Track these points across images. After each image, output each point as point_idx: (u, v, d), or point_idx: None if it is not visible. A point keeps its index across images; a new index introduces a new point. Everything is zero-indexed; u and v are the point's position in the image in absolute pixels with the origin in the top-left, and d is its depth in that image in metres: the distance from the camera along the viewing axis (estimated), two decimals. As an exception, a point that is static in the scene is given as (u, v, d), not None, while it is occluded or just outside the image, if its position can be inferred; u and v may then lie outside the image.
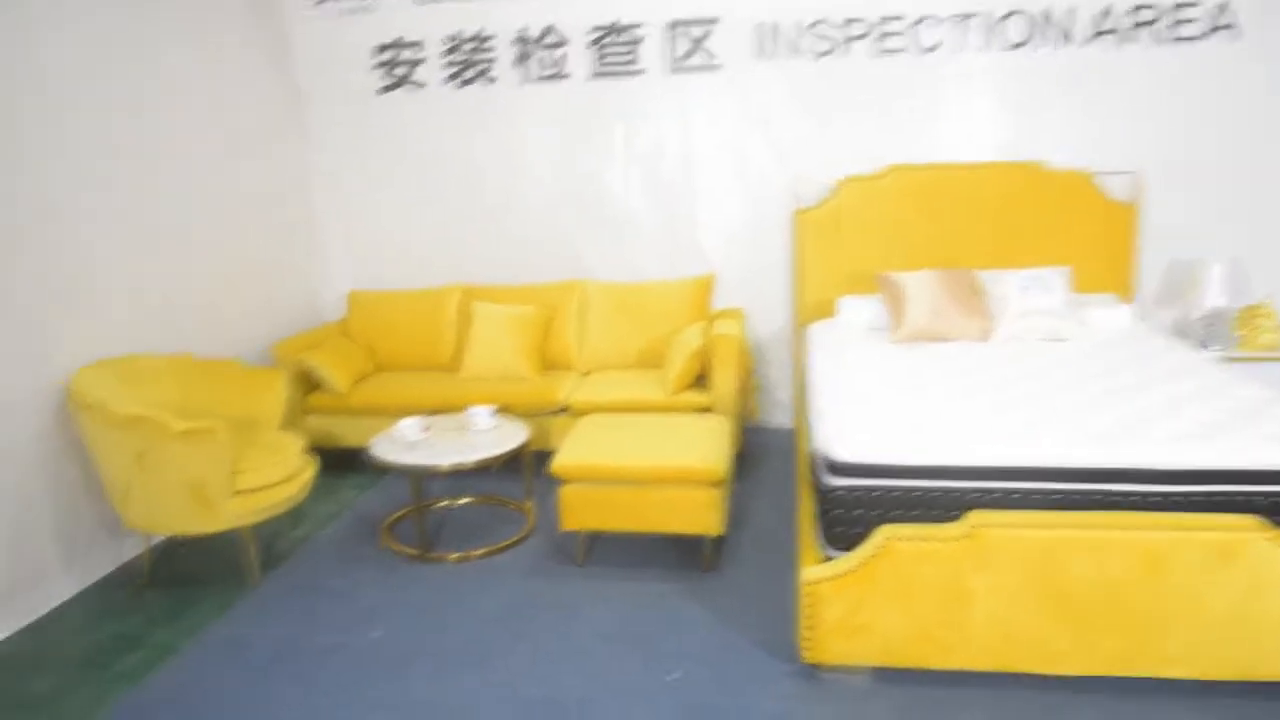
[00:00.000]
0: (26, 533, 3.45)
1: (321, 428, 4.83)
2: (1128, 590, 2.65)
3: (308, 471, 3.83)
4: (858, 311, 4.72)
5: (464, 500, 4.44)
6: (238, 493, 3.52)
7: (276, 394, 4.13)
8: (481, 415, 4.06)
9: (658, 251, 5.27)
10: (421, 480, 3.96)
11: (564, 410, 4.58)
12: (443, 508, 4.38)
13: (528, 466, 4.20)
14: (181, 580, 3.73)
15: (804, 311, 5.04)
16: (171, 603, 3.54)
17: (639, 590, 3.49)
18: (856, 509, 2.84)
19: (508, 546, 3.88)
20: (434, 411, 4.49)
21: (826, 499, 2.91)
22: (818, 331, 4.63)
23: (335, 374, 4.74)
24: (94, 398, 3.40)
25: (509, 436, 3.95)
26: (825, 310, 4.94)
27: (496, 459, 3.76)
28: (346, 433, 4.80)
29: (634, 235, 5.29)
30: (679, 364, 4.41)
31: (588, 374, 4.95)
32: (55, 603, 3.55)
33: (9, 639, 3.34)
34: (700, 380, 4.53)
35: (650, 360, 4.92)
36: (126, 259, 3.99)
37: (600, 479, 3.54)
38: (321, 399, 4.82)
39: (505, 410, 4.41)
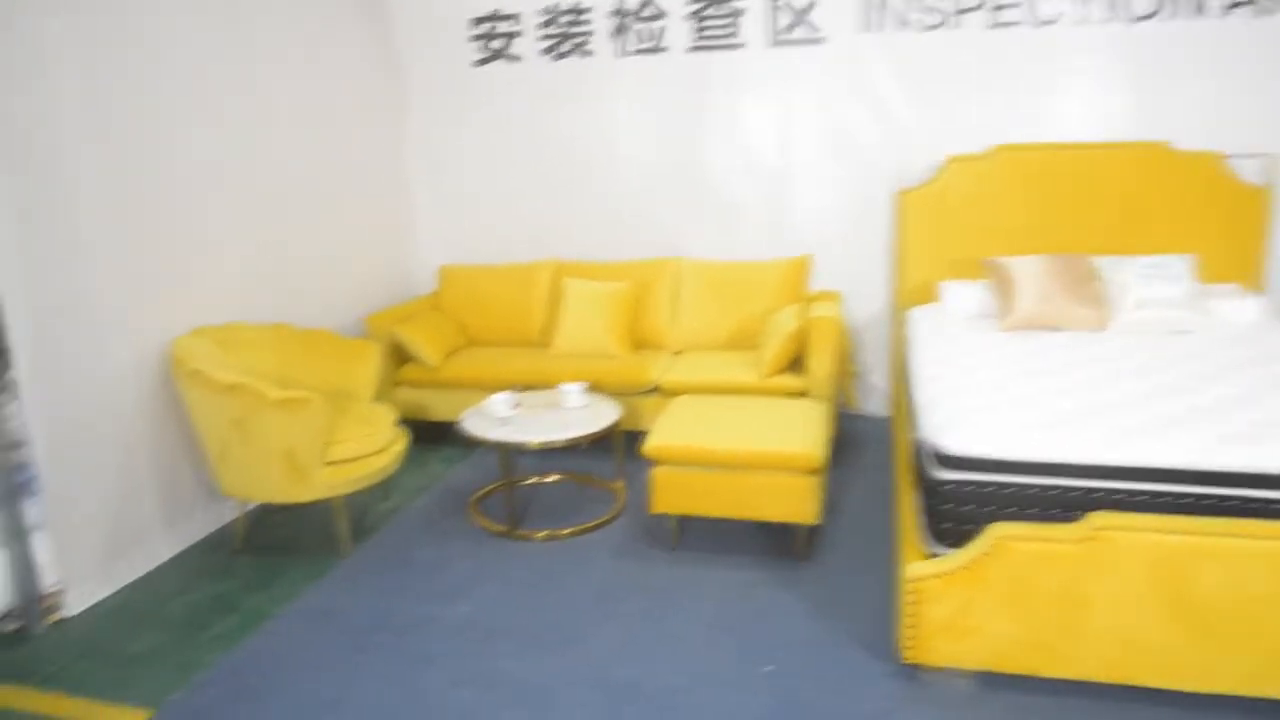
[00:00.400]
0: (131, 493, 3.53)
1: (412, 400, 4.85)
2: (1264, 605, 2.44)
3: (399, 444, 3.84)
4: (962, 297, 4.50)
5: (553, 477, 4.40)
6: (330, 463, 3.54)
7: (370, 365, 4.15)
8: (572, 392, 4.01)
9: (753, 230, 5.13)
10: (511, 456, 3.94)
11: (655, 390, 4.49)
12: (531, 484, 4.36)
13: (618, 446, 4.13)
14: (274, 547, 3.79)
15: (904, 296, 4.85)
16: (265, 569, 3.59)
17: (731, 578, 3.40)
18: (966, 504, 2.69)
19: (597, 526, 3.83)
20: (524, 387, 4.47)
21: (933, 492, 2.77)
22: (919, 317, 4.45)
23: (427, 347, 4.75)
24: (194, 364, 3.44)
25: (600, 415, 3.89)
26: (926, 295, 4.74)
27: (587, 438, 3.71)
28: (437, 406, 4.82)
29: (729, 213, 5.15)
30: (774, 346, 4.29)
31: (679, 354, 4.86)
32: (156, 563, 3.64)
33: (112, 596, 3.43)
34: (795, 364, 4.39)
35: (743, 342, 4.81)
36: (228, 230, 4.04)
37: (693, 462, 3.45)
38: (413, 372, 4.84)
39: (595, 388, 4.37)
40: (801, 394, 4.24)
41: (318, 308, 4.65)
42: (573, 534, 3.77)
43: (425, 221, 5.66)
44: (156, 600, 3.40)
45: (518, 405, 3.97)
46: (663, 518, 3.69)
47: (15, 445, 3.17)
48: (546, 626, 3.12)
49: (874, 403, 5.16)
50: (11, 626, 3.19)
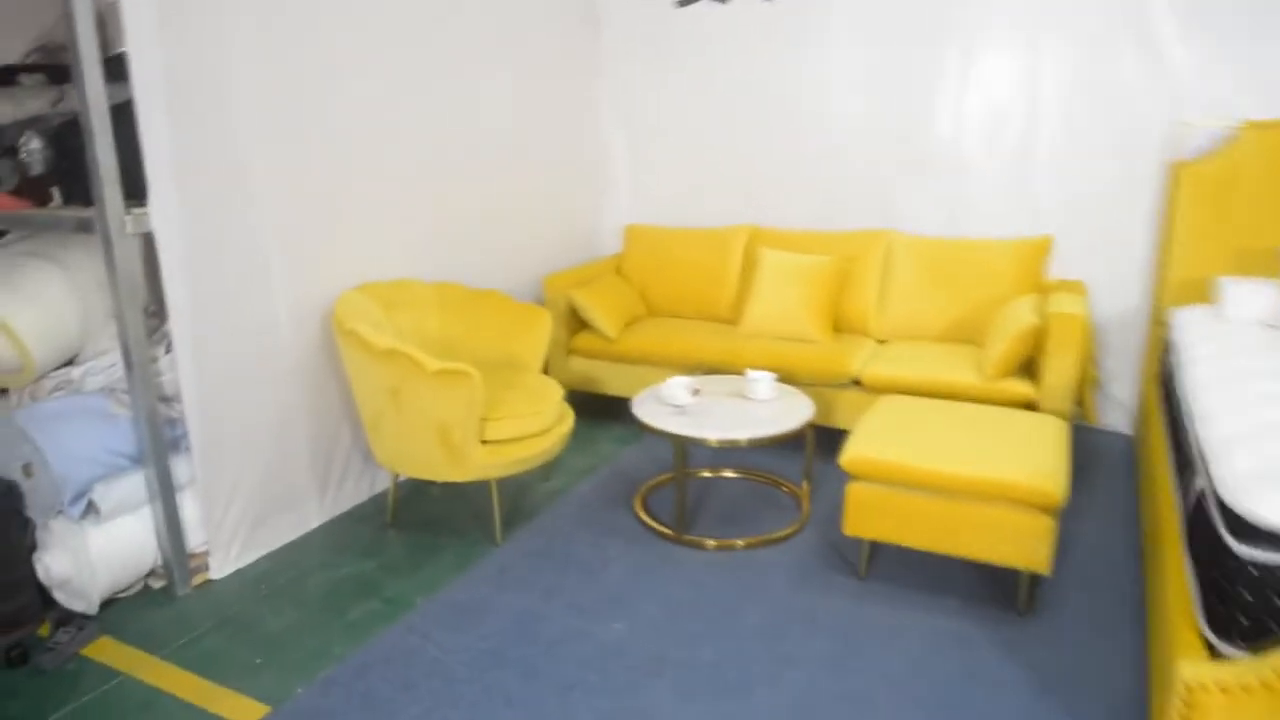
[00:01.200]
0: (284, 456, 3.33)
1: (584, 371, 4.48)
2: None
3: (565, 425, 3.45)
4: (1248, 298, 3.57)
5: (730, 474, 3.92)
6: (487, 442, 3.20)
7: (541, 333, 3.77)
8: (761, 382, 3.47)
9: (982, 202, 4.35)
10: (685, 449, 3.46)
11: (855, 383, 3.90)
12: (706, 478, 3.89)
13: (808, 445, 3.58)
14: (425, 525, 3.50)
15: (1166, 292, 3.97)
16: (413, 549, 3.30)
17: (934, 626, 2.80)
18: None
19: (776, 540, 3.30)
20: (707, 369, 4.01)
21: (1227, 570, 2.10)
22: (1189, 320, 3.60)
23: (605, 317, 4.34)
24: (352, 324, 3.16)
25: (791, 412, 3.34)
26: (1196, 293, 3.85)
27: (774, 438, 3.19)
28: (611, 379, 4.43)
29: (955, 180, 4.39)
30: (1003, 343, 3.58)
31: (884, 343, 4.22)
32: (305, 529, 3.44)
33: (259, 561, 3.24)
34: (1026, 367, 3.69)
35: (962, 333, 4.12)
36: (402, 183, 3.74)
37: (899, 482, 2.85)
38: (587, 340, 4.44)
39: (787, 376, 3.84)
40: (1030, 404, 3.56)
41: (494, 266, 4.34)
42: (748, 546, 3.27)
43: (615, 177, 5.23)
44: (301, 572, 3.18)
45: (697, 392, 3.49)
46: (853, 539, 3.16)
47: (167, 399, 3.03)
48: (711, 663, 2.64)
49: (1112, 415, 4.36)
50: (159, 584, 3.08)
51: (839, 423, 3.96)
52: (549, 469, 3.94)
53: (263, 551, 3.28)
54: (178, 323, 2.89)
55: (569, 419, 3.50)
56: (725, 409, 3.37)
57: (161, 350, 2.99)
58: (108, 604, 2.96)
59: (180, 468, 3.04)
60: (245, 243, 3.07)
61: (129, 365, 2.81)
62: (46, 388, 3.13)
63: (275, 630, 2.84)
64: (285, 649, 2.73)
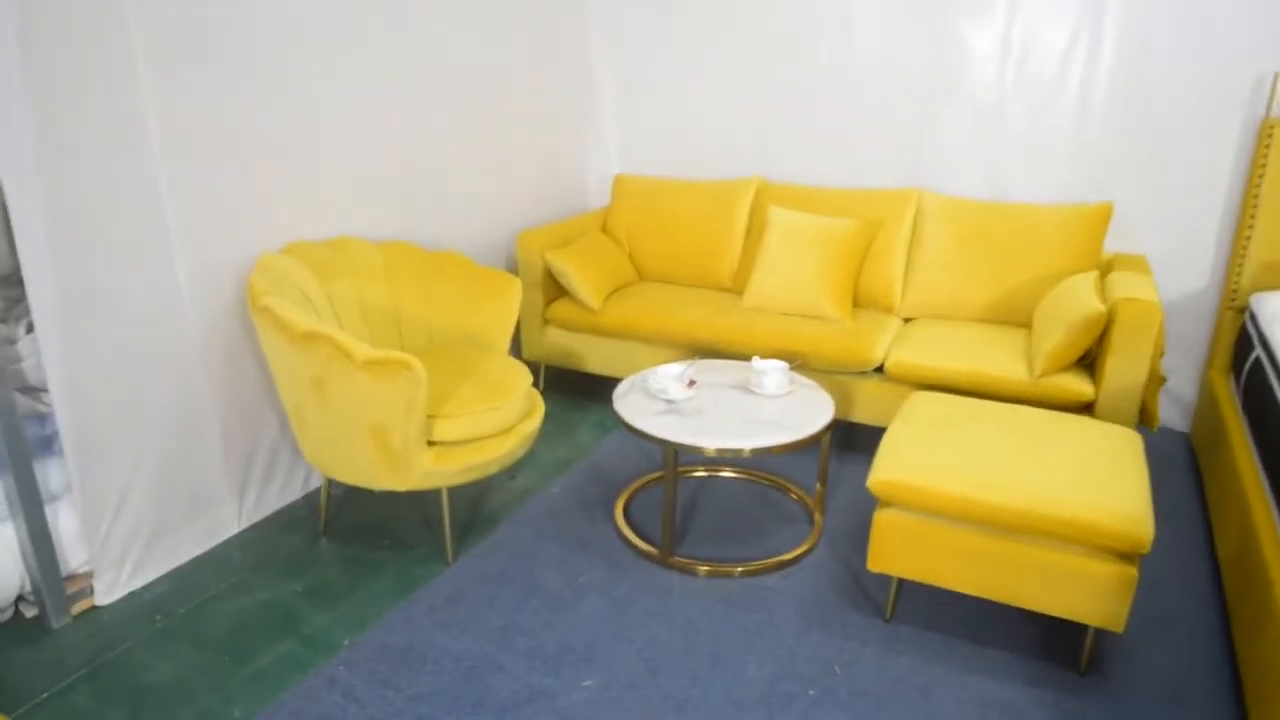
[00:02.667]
0: (191, 453, 2.70)
1: (562, 345, 3.85)
2: None
3: (532, 421, 2.83)
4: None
5: (728, 473, 3.31)
6: (435, 444, 2.60)
7: (508, 305, 3.13)
8: (770, 373, 2.84)
9: (1032, 160, 3.67)
10: (677, 454, 2.78)
11: (878, 371, 3.30)
12: (700, 478, 3.28)
13: (824, 445, 2.95)
14: (364, 533, 2.90)
15: (1244, 273, 3.35)
16: (345, 567, 2.71)
17: (975, 689, 2.22)
18: None
19: (781, 564, 2.72)
20: (703, 350, 3.40)
21: None
22: None
23: (586, 283, 3.67)
24: (267, 297, 2.51)
25: (807, 412, 2.72)
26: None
27: (786, 446, 2.58)
28: (592, 355, 3.80)
29: (999, 133, 3.70)
30: (1060, 332, 2.93)
31: (911, 321, 3.58)
32: (219, 539, 2.83)
33: (157, 582, 2.63)
34: (1083, 360, 3.08)
35: (1003, 314, 3.47)
36: (348, 122, 3.05)
37: (941, 512, 2.25)
38: (566, 310, 3.79)
39: (797, 359, 3.26)
40: (1086, 407, 2.97)
41: (459, 222, 3.68)
42: (747, 573, 2.68)
43: (604, 120, 4.51)
44: (206, 598, 2.57)
45: (692, 383, 2.88)
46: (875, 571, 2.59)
47: (33, 390, 2.42)
48: (702, 743, 2.11)
49: (1166, 411, 3.75)
50: (30, 613, 2.49)
51: (858, 416, 3.35)
52: (515, 465, 3.36)
53: (164, 569, 2.67)
54: (37, 294, 2.23)
55: (537, 414, 2.88)
56: (726, 406, 2.75)
57: (21, 329, 2.38)
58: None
59: (54, 472, 2.45)
60: (130, 191, 2.41)
61: (-26, 349, 2.22)
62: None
63: (161, 682, 2.24)
64: (169, 712, 2.14)
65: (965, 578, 2.31)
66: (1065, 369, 2.99)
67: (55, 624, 2.42)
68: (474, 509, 3.04)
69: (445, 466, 2.56)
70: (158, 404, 2.58)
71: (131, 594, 2.57)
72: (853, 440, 3.59)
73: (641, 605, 2.54)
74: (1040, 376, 2.97)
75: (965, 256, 3.54)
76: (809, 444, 2.63)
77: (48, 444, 2.41)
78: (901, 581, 2.57)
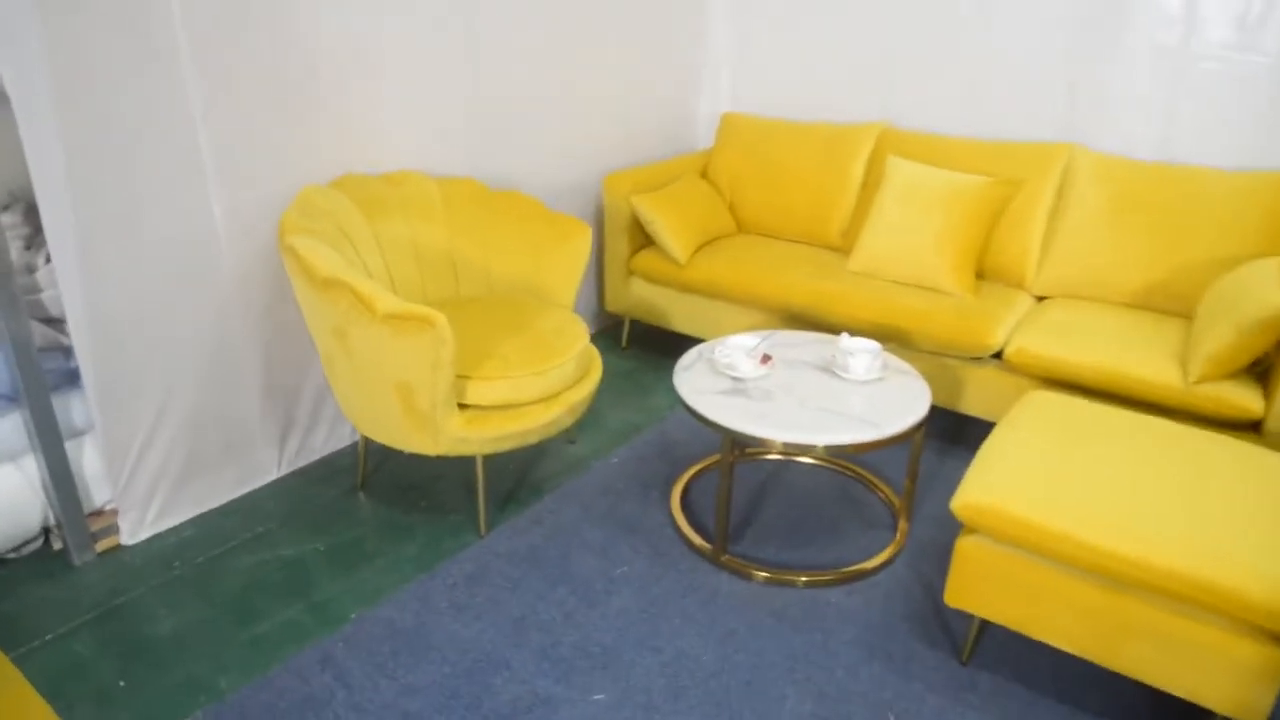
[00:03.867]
0: (230, 394, 2.53)
1: (646, 299, 3.50)
2: None
3: (583, 388, 2.50)
4: None
5: (806, 459, 2.90)
6: (467, 407, 2.32)
7: (576, 255, 2.80)
8: (860, 355, 2.40)
9: (1213, 113, 2.97)
10: (738, 441, 2.30)
11: (995, 357, 2.80)
12: (773, 461, 2.89)
13: (916, 443, 2.49)
14: (402, 492, 2.68)
15: None
16: (374, 528, 2.50)
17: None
18: None
19: (854, 575, 2.32)
20: (794, 317, 3.00)
21: None
22: None
23: (674, 233, 3.29)
24: (295, 236, 2.26)
25: (898, 404, 2.27)
26: None
27: (868, 445, 2.15)
28: (676, 313, 3.43)
29: (1176, 80, 3.00)
30: (1227, 330, 2.34)
31: (1044, 301, 3.03)
32: (256, 484, 2.68)
33: (183, 527, 2.49)
34: (1254, 367, 2.48)
35: (1159, 300, 2.87)
36: (419, 44, 2.74)
37: (1036, 550, 1.80)
38: (651, 261, 3.42)
39: (901, 337, 2.81)
40: (1251, 426, 2.37)
41: (545, 157, 3.35)
42: (811, 583, 2.30)
43: (718, 53, 4.00)
44: (228, 549, 2.41)
45: (767, 360, 2.47)
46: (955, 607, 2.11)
47: (55, 323, 2.28)
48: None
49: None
50: (58, 546, 2.40)
51: (966, 408, 2.87)
52: (574, 428, 3.06)
53: (194, 512, 2.55)
54: (53, 220, 2.07)
55: (590, 380, 2.55)
56: (803, 389, 2.34)
57: (41, 258, 2.25)
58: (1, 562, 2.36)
59: (79, 407, 2.33)
60: (160, 115, 2.18)
61: (-12, 276, 2.09)
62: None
63: (161, 636, 2.10)
64: (160, 670, 2.00)
65: (1063, 632, 1.86)
66: (1229, 376, 2.40)
67: (77, 560, 2.33)
68: (521, 475, 2.78)
69: (478, 433, 2.29)
70: (189, 343, 2.41)
71: (157, 535, 2.46)
72: (960, 433, 3.10)
73: (679, 609, 2.22)
74: (1196, 383, 2.41)
75: (1120, 227, 2.93)
76: (894, 444, 2.23)
77: (73, 377, 2.29)
78: (984, 621, 2.15)
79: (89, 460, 2.33)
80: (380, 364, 2.22)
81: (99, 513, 2.39)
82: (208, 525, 2.52)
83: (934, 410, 3.08)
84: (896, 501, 2.66)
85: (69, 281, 2.14)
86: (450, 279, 2.80)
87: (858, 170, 3.43)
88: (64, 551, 2.35)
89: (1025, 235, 3.06)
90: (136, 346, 2.29)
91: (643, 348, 3.73)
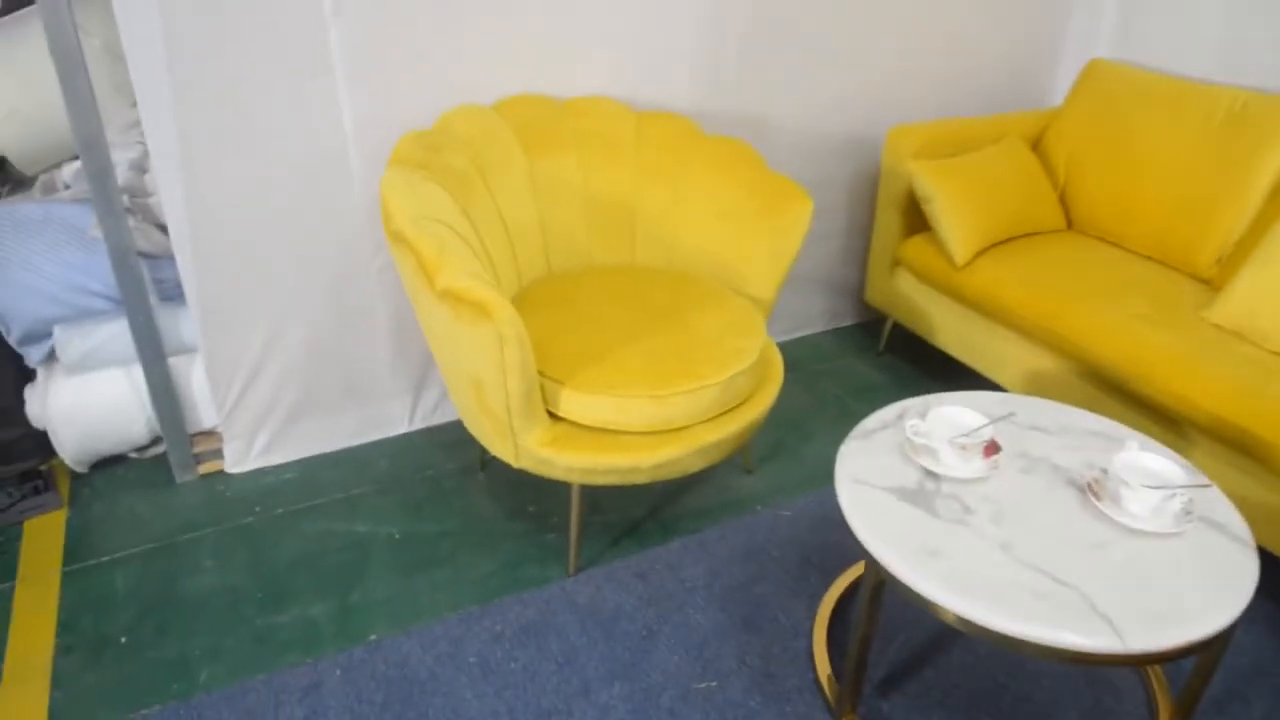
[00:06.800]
0: (353, 336, 2.16)
1: (910, 299, 2.56)
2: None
3: (732, 423, 1.76)
4: None
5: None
6: (560, 420, 1.73)
7: (787, 233, 2.00)
8: (1141, 489, 1.38)
9: None
10: (887, 580, 1.42)
11: None
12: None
13: (1206, 660, 1.33)
14: (520, 488, 2.15)
15: None
16: (461, 529, 2.01)
17: None
18: None
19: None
20: (1095, 379, 2.01)
21: None
22: None
23: (956, 223, 2.30)
24: (395, 171, 1.74)
25: (1191, 591, 1.26)
26: None
27: (1122, 658, 1.20)
28: (945, 325, 2.47)
29: None
30: None
31: None
32: (377, 436, 2.32)
33: (288, 466, 2.21)
34: None
35: None
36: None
37: None
38: (923, 251, 2.46)
39: (1259, 454, 1.70)
40: None
41: (815, 96, 2.49)
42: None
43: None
44: (312, 503, 2.07)
45: (992, 448, 1.52)
46: None
47: (158, 227, 2.03)
48: None
49: None
50: (155, 451, 2.21)
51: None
52: (752, 454, 2.29)
53: (305, 453, 2.25)
54: (151, 115, 1.76)
55: (749, 411, 1.79)
56: (1030, 519, 1.40)
57: (145, 155, 1.99)
58: (103, 464, 2.19)
59: (185, 324, 2.09)
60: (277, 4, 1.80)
61: (89, 173, 1.84)
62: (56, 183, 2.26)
63: (192, 594, 1.83)
64: (163, 636, 1.72)
65: None
66: None
67: (178, 479, 2.14)
68: (660, 501, 2.12)
69: (564, 457, 1.68)
70: (309, 272, 2.06)
71: (261, 470, 2.20)
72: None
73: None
74: None
75: None
76: (1180, 657, 1.27)
77: (169, 291, 2.04)
78: None
79: (199, 379, 2.14)
80: (450, 347, 1.70)
81: (208, 433, 2.19)
82: (312, 471, 2.21)
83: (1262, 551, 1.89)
84: (1167, 704, 1.64)
85: (169, 187, 1.84)
86: (625, 240, 2.16)
87: (1271, 168, 2.13)
88: (162, 460, 2.20)
89: None
90: (245, 267, 1.99)
91: (903, 357, 2.80)
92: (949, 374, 2.69)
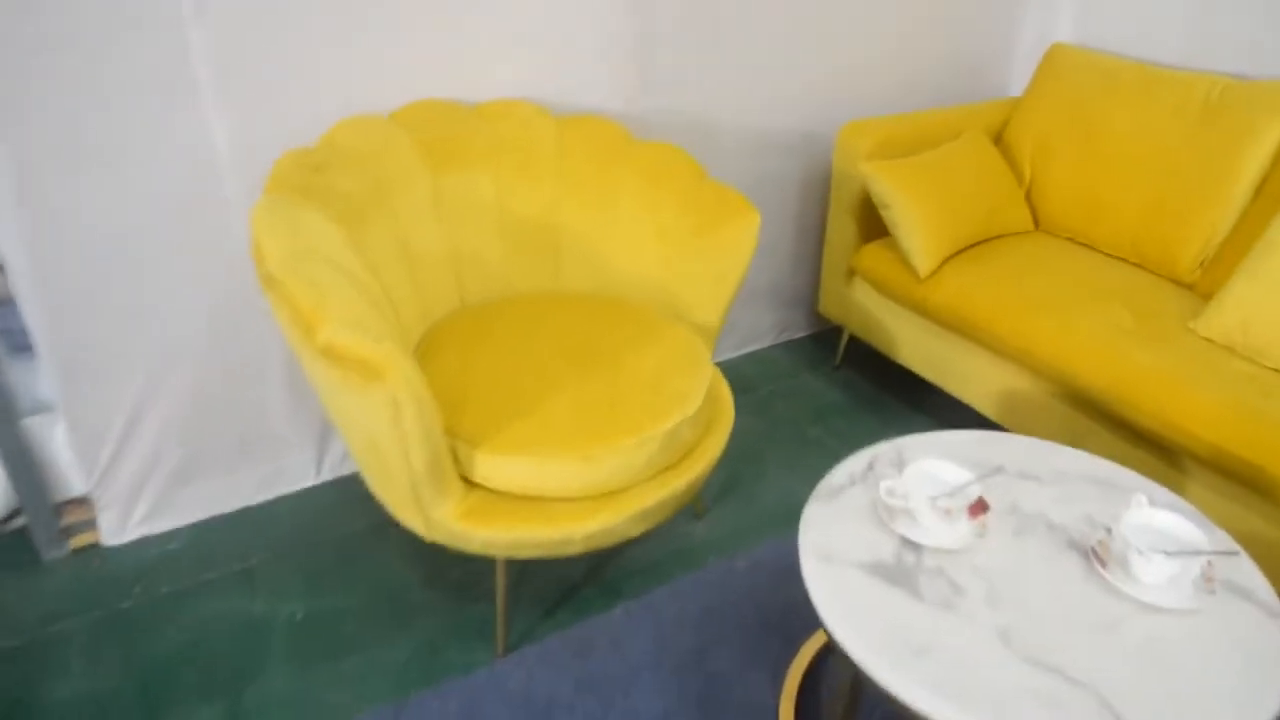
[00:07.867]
0: (246, 382, 1.87)
1: (867, 311, 2.32)
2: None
3: (675, 480, 1.50)
4: None
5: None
6: (476, 487, 1.45)
7: (732, 252, 1.74)
8: (1152, 554, 1.17)
9: None
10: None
11: None
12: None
13: None
14: (433, 547, 1.81)
15: None
16: (370, 604, 1.72)
17: None
18: None
19: None
20: (1076, 400, 1.80)
21: None
22: None
23: (919, 230, 2.05)
24: (271, 196, 1.45)
25: (1215, 682, 1.03)
26: None
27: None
28: (906, 341, 2.23)
29: None
30: None
31: None
32: (290, 488, 2.03)
33: (176, 534, 1.89)
34: None
35: None
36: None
37: None
38: (880, 260, 2.22)
39: (1273, 493, 1.53)
40: None
41: (757, 89, 2.24)
42: None
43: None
44: (201, 579, 1.77)
45: (978, 508, 1.29)
46: None
47: None
48: None
49: None
50: (16, 524, 1.89)
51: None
52: (702, 498, 2.04)
53: (197, 515, 1.94)
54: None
55: (694, 466, 1.53)
56: (1027, 596, 1.16)
57: None
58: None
59: (41, 380, 1.76)
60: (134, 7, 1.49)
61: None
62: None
63: (64, 702, 1.51)
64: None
65: None
66: None
67: (45, 555, 1.82)
68: (599, 561, 1.85)
69: (481, 530, 1.42)
70: (185, 313, 1.76)
71: (146, 539, 1.89)
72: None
73: None
74: None
75: None
76: None
77: (16, 342, 1.73)
78: None
79: (63, 440, 1.83)
80: (341, 406, 1.44)
81: (79, 501, 1.88)
82: (204, 538, 1.91)
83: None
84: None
85: (4, 224, 1.55)
86: (549, 264, 1.89)
87: (1255, 163, 1.93)
88: (27, 534, 1.88)
89: None
90: (110, 312, 1.68)
91: (862, 371, 2.57)
92: (911, 388, 2.47)
